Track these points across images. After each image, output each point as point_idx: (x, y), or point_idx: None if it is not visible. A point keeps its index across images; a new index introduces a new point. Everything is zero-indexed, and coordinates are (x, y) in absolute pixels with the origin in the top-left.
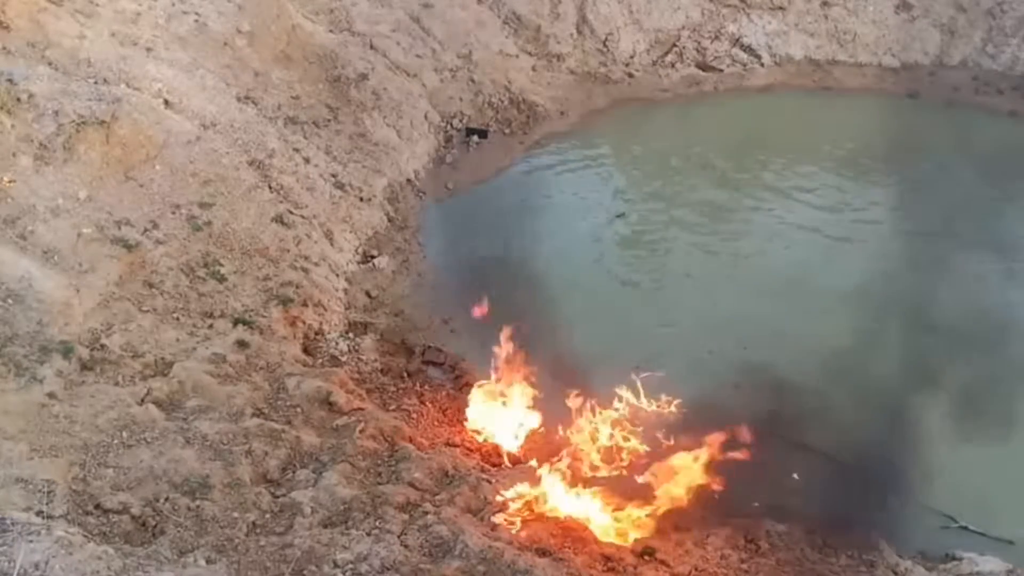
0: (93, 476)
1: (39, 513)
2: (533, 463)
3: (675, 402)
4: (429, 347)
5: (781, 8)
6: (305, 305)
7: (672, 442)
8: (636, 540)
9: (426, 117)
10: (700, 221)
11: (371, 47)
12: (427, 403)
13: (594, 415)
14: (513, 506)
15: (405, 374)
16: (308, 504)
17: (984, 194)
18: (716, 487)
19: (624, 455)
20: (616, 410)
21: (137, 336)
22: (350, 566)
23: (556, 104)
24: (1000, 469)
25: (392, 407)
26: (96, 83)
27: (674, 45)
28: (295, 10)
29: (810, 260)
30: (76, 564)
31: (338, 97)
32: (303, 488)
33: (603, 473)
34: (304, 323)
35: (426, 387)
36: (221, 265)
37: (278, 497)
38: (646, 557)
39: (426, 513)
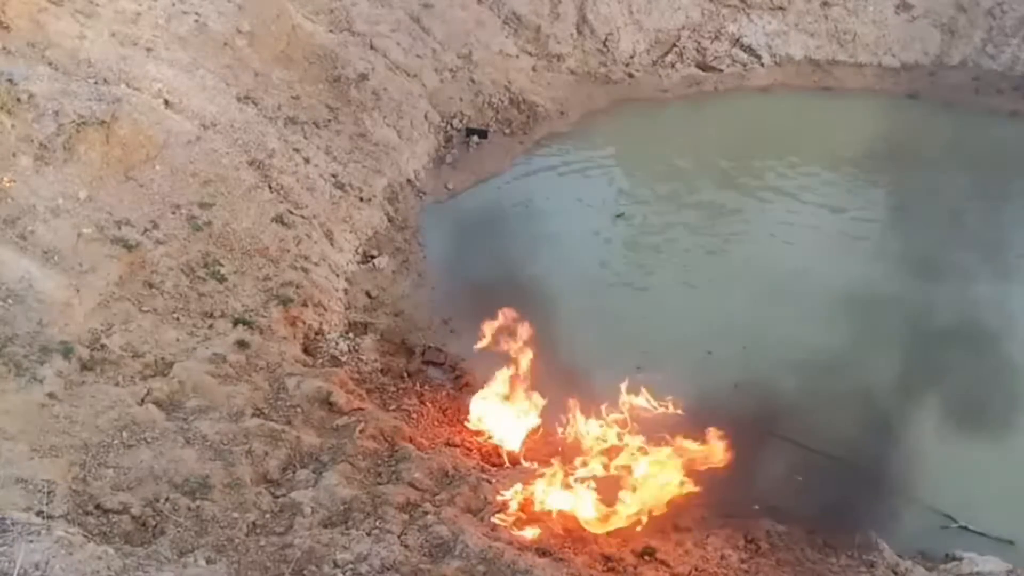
0: (93, 476)
1: (39, 513)
2: (532, 464)
3: (675, 402)
4: (429, 347)
5: (781, 8)
6: (305, 305)
7: (672, 441)
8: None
9: (426, 117)
10: (700, 221)
11: (371, 47)
12: (427, 403)
13: (594, 415)
14: (512, 506)
15: (405, 374)
16: (308, 504)
17: (984, 194)
18: (710, 488)
19: (622, 454)
20: (616, 410)
21: (137, 336)
22: (350, 566)
23: (556, 104)
24: (1000, 469)
25: (392, 407)
26: (96, 83)
27: (674, 45)
28: (295, 10)
29: (810, 260)
30: (76, 564)
31: (338, 97)
32: (303, 488)
33: (599, 472)
34: (304, 323)
35: (426, 387)
36: (221, 265)
37: (278, 497)
38: (646, 557)
39: (426, 513)
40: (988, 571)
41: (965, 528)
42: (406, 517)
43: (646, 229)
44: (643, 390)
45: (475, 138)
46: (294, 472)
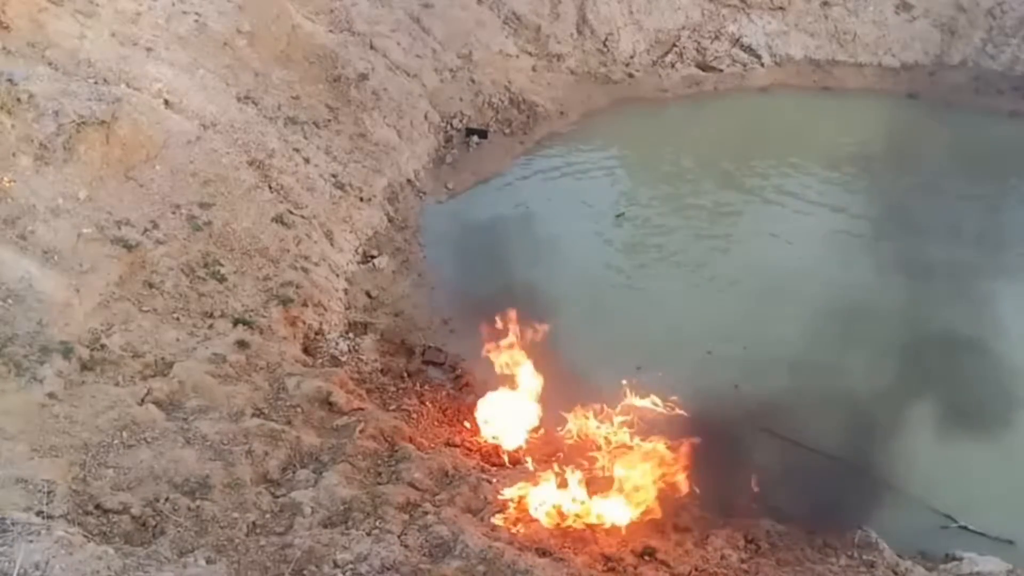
0: (93, 476)
1: (39, 513)
2: (533, 464)
3: (675, 402)
4: (429, 347)
5: (781, 8)
6: (305, 305)
7: (671, 441)
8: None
9: (426, 117)
10: (700, 221)
11: (371, 47)
12: (427, 403)
13: (594, 415)
14: (512, 506)
15: (405, 374)
16: (308, 504)
17: (985, 194)
18: (708, 487)
19: (621, 455)
20: (616, 410)
21: (137, 336)
22: (350, 566)
23: (556, 104)
24: (1000, 469)
25: (392, 407)
26: (96, 83)
27: (674, 45)
28: (295, 10)
29: (810, 260)
30: (76, 564)
31: (338, 97)
32: (303, 488)
33: (598, 472)
34: (304, 323)
35: (426, 387)
36: (221, 265)
37: (278, 497)
38: (646, 557)
39: (426, 513)
40: (988, 571)
41: (965, 528)
42: (406, 517)
43: (646, 229)
44: (643, 390)
45: (475, 138)
46: (294, 472)
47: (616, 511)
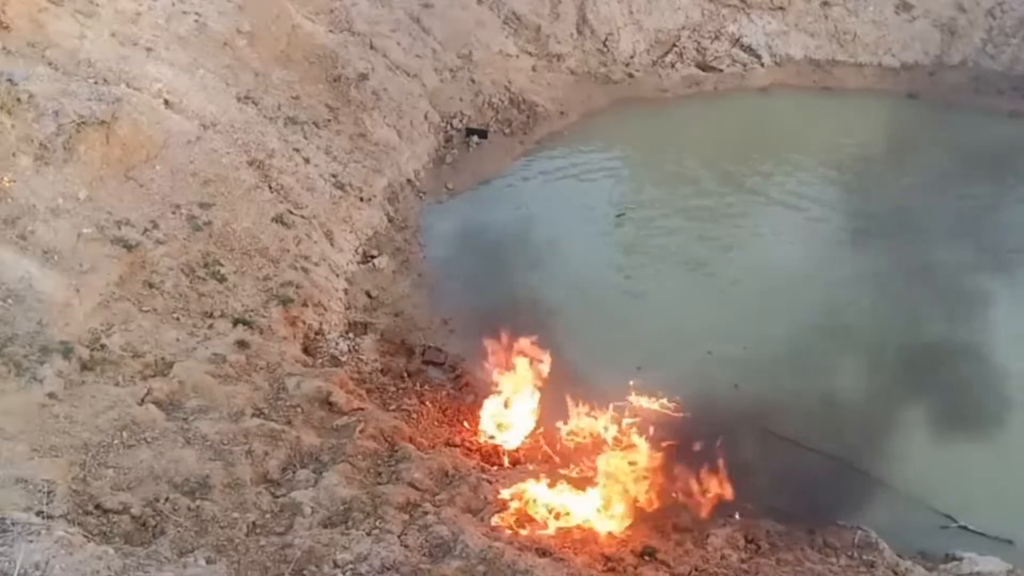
0: (93, 476)
1: (39, 513)
2: (533, 464)
3: (675, 401)
4: (429, 347)
5: (781, 8)
6: (305, 305)
7: (671, 441)
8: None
9: (426, 117)
10: (701, 221)
11: (371, 47)
12: (427, 403)
13: (594, 415)
14: (512, 507)
15: (405, 374)
16: (308, 504)
17: (984, 194)
18: (708, 487)
19: (620, 454)
20: (616, 410)
21: (137, 336)
22: (350, 566)
23: (556, 104)
24: (999, 469)
25: (392, 407)
26: (96, 83)
27: (674, 45)
28: (295, 10)
29: (810, 260)
30: (76, 564)
31: (338, 97)
32: (303, 488)
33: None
34: (304, 323)
35: (426, 387)
36: (221, 265)
37: (278, 497)
38: (646, 557)
39: (426, 513)
40: (988, 571)
41: (965, 528)
42: (406, 517)
43: (647, 229)
44: (643, 390)
45: (475, 138)
46: (294, 472)
47: (616, 511)
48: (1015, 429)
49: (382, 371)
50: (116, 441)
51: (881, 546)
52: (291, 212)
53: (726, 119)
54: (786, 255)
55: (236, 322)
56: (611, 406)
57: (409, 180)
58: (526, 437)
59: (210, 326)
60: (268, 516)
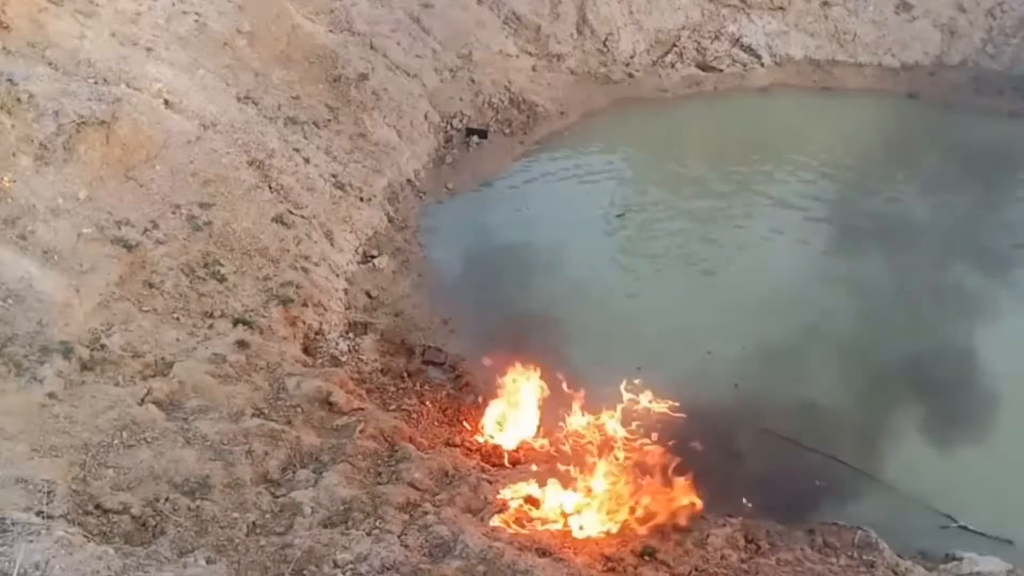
0: (93, 476)
1: (39, 513)
2: (532, 464)
3: (674, 402)
4: (429, 347)
5: (781, 8)
6: (305, 305)
7: (671, 440)
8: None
9: (426, 117)
10: (700, 221)
11: (371, 47)
12: (427, 403)
13: (595, 415)
14: (512, 507)
15: (405, 374)
16: (308, 504)
17: (984, 194)
18: (708, 487)
19: (620, 454)
20: (616, 410)
21: (137, 336)
22: (350, 566)
23: (556, 104)
24: (999, 469)
25: (392, 407)
26: (96, 83)
27: (674, 45)
28: (295, 10)
29: (810, 260)
30: (76, 564)
31: (338, 97)
32: (303, 488)
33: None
34: (304, 323)
35: (426, 387)
36: (221, 265)
37: (278, 497)
38: (646, 557)
39: (426, 513)
40: (988, 571)
41: (965, 528)
42: (406, 517)
43: (646, 229)
44: (643, 389)
45: (475, 138)
46: (294, 472)
47: (616, 511)
48: (1015, 429)
49: (382, 371)
50: (116, 441)
51: (881, 546)
52: (291, 212)
53: (726, 119)
54: (786, 255)
55: (236, 322)
56: (611, 406)
57: (409, 180)
58: (526, 437)
59: (210, 326)
60: (268, 516)
